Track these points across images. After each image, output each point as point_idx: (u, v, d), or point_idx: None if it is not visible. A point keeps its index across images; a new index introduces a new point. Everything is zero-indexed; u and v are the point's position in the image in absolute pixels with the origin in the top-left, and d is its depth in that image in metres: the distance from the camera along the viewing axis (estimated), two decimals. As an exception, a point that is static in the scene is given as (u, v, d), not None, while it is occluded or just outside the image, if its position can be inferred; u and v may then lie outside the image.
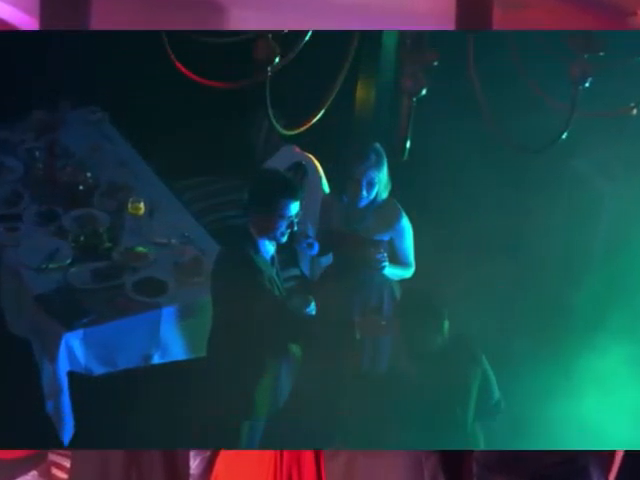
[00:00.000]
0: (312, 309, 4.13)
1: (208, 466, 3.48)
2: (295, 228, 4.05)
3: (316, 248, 4.53)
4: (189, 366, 4.72)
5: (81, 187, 5.23)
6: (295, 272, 5.47)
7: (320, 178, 5.38)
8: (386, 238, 4.49)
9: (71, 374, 4.56)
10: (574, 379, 4.83)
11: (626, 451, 3.36)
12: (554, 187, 5.82)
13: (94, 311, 4.56)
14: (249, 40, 2.20)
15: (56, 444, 4.58)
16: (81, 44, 6.39)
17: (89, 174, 5.29)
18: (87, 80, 6.27)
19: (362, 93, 5.98)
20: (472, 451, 3.45)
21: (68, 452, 3.48)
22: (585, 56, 2.18)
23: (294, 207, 4.00)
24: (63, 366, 4.52)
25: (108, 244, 4.91)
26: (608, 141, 5.51)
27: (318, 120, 2.26)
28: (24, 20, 3.17)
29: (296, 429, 4.85)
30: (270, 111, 2.16)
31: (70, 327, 4.49)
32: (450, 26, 2.51)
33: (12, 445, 3.49)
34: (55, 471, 3.44)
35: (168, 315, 4.67)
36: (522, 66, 2.35)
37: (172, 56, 2.37)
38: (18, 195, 5.19)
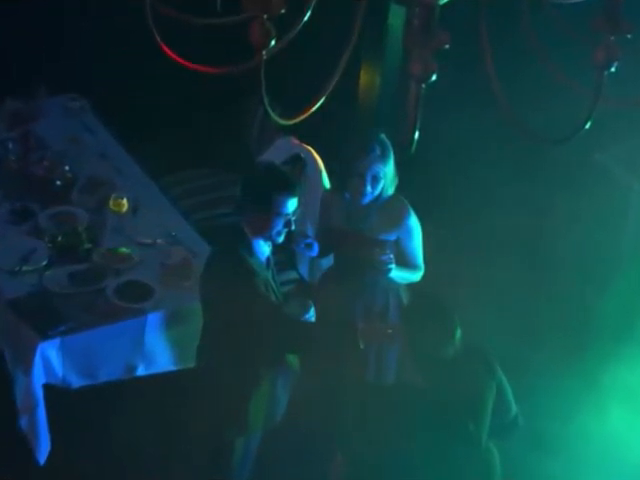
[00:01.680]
0: (311, 315, 4.13)
1: None
2: (293, 227, 4.05)
3: (316, 249, 4.53)
4: (177, 378, 4.72)
5: (58, 182, 5.24)
6: (293, 275, 5.48)
7: (320, 172, 5.38)
8: (392, 238, 4.49)
9: (47, 387, 4.56)
10: (599, 393, 4.83)
11: None
12: (576, 182, 5.83)
13: (72, 318, 4.55)
14: (242, 21, 2.20)
15: (31, 463, 4.59)
16: (59, 24, 6.41)
17: (67, 168, 5.29)
18: (66, 65, 6.28)
19: (366, 79, 5.99)
20: None
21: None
22: (611, 38, 2.17)
23: (292, 204, 3.99)
24: (38, 378, 4.51)
25: (88, 244, 4.90)
26: (636, 132, 5.51)
27: (318, 108, 2.26)
28: None
29: (295, 442, 4.86)
30: (265, 99, 2.16)
31: (46, 335, 4.49)
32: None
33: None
34: None
35: (154, 322, 4.67)
36: (541, 49, 2.34)
37: (158, 38, 2.37)
38: (-11, 191, 5.20)
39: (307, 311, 4.11)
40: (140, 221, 5.11)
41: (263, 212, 3.97)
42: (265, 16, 2.09)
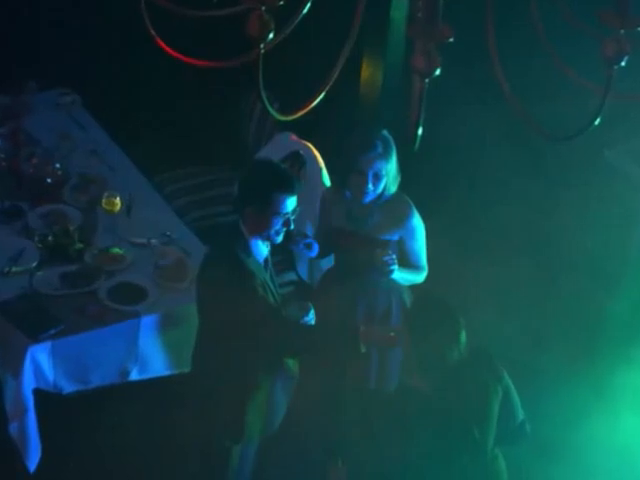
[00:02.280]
0: (311, 318, 4.13)
1: None
2: (292, 226, 4.05)
3: (315, 249, 4.53)
4: (172, 383, 4.72)
5: (49, 180, 5.23)
6: (292, 276, 5.48)
7: (320, 170, 5.38)
8: (395, 238, 4.49)
9: (38, 392, 4.56)
10: (609, 397, 4.83)
11: None
12: (585, 180, 5.83)
13: (64, 321, 4.55)
14: (239, 13, 2.20)
15: (21, 470, 4.59)
16: (51, 17, 6.41)
17: (58, 165, 5.29)
18: (56, 58, 6.28)
19: (367, 73, 5.98)
20: None
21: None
22: (621, 32, 2.17)
23: (291, 203, 3.99)
24: (28, 383, 4.51)
25: (79, 245, 4.90)
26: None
27: (318, 104, 2.26)
28: None
29: (294, 449, 4.87)
30: (263, 93, 2.16)
31: (36, 339, 4.48)
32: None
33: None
34: None
35: (148, 325, 4.67)
36: (549, 43, 2.35)
37: (152, 31, 2.37)
38: (-23, 190, 5.20)
39: (307, 313, 4.11)
40: (133, 220, 5.10)
41: (261, 211, 3.97)
42: (263, 8, 2.09)
